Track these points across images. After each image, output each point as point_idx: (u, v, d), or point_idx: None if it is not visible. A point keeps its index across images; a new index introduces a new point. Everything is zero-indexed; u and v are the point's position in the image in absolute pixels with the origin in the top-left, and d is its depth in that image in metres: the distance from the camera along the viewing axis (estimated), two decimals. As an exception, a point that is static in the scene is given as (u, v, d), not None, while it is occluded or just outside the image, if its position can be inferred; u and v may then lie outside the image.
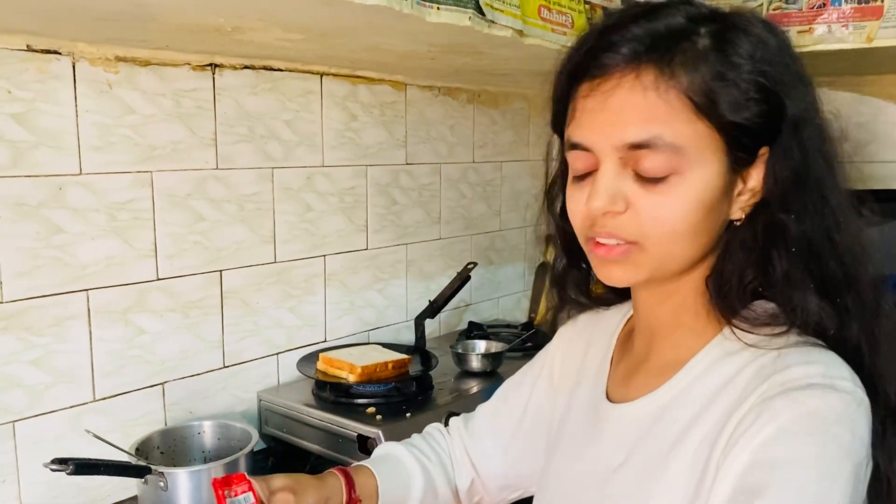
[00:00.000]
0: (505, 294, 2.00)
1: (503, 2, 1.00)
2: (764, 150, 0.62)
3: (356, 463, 0.88)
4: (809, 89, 0.63)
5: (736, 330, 0.63)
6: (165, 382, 1.21)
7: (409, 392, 1.30)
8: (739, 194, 0.63)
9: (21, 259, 1.02)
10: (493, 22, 0.98)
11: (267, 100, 1.31)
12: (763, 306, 0.63)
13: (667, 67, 0.59)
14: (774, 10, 1.26)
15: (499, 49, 1.15)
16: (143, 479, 0.99)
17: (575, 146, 0.64)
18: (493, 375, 1.44)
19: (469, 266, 1.56)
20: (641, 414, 0.68)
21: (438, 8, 0.90)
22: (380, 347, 1.41)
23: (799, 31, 1.25)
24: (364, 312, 1.56)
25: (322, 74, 1.40)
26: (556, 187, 0.75)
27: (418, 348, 1.50)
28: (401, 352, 1.38)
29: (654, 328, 0.72)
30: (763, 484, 0.54)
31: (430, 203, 1.70)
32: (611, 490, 0.68)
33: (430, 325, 1.62)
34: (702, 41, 0.60)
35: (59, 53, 1.04)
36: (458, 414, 0.98)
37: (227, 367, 1.30)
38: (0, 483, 1.03)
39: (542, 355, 0.91)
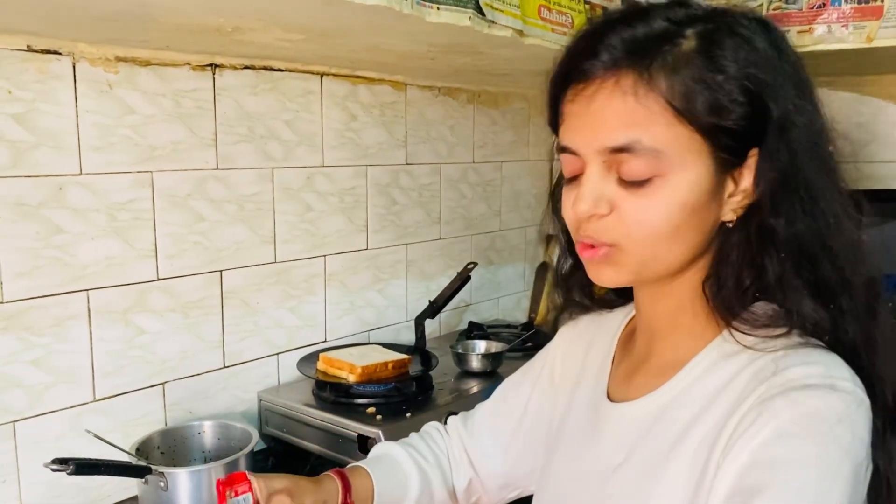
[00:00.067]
0: (505, 294, 2.00)
1: (503, 2, 1.00)
2: (754, 152, 0.61)
3: (353, 463, 0.89)
4: (802, 90, 0.62)
5: (736, 332, 0.63)
6: (166, 382, 1.21)
7: (410, 392, 1.30)
8: (731, 195, 0.63)
9: (21, 259, 1.02)
10: (493, 22, 0.99)
11: (267, 100, 1.31)
12: (763, 308, 0.63)
13: (646, 72, 0.59)
14: (774, 9, 1.26)
15: (499, 49, 1.15)
16: (143, 479, 0.99)
17: (563, 150, 0.65)
18: (493, 375, 1.44)
19: (469, 266, 1.56)
20: (641, 414, 0.68)
21: (438, 8, 0.90)
22: (380, 347, 1.41)
23: (799, 31, 1.25)
24: (364, 312, 1.56)
25: (322, 74, 1.40)
26: (559, 188, 0.75)
27: (418, 348, 1.50)
28: (401, 352, 1.38)
29: (654, 328, 0.72)
30: (762, 484, 0.54)
31: (430, 203, 1.70)
32: (611, 490, 0.68)
33: (430, 326, 1.62)
34: (686, 43, 0.60)
35: (60, 53, 1.04)
36: (457, 413, 0.98)
37: (228, 367, 1.30)
38: (0, 483, 1.03)
39: (542, 355, 0.91)
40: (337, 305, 1.49)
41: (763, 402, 0.57)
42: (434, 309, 1.54)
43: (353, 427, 1.18)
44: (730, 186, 0.62)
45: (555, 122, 0.68)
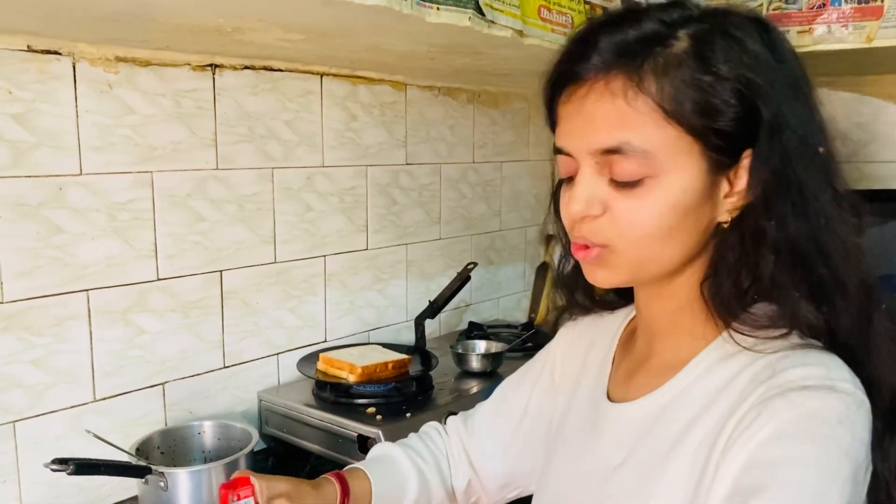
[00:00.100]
0: (505, 294, 2.00)
1: (503, 2, 1.00)
2: (748, 153, 0.61)
3: (351, 464, 0.89)
4: (797, 91, 0.62)
5: (735, 333, 0.63)
6: (166, 382, 1.21)
7: (410, 392, 1.30)
8: (727, 196, 0.63)
9: (21, 259, 1.02)
10: (492, 22, 0.99)
11: (267, 100, 1.31)
12: (764, 309, 0.63)
13: (636, 74, 0.59)
14: (774, 9, 1.26)
15: (499, 49, 1.15)
16: (143, 480, 0.99)
17: (559, 151, 0.66)
18: (493, 376, 1.44)
19: (469, 266, 1.56)
20: (641, 414, 0.68)
21: (438, 8, 0.90)
22: (380, 347, 1.41)
23: (799, 31, 1.25)
24: (364, 312, 1.56)
25: (322, 74, 1.40)
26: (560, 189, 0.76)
27: (418, 348, 1.50)
28: (401, 352, 1.38)
29: (653, 328, 0.72)
30: (762, 484, 0.54)
31: (430, 203, 1.70)
32: (610, 489, 0.68)
33: (430, 326, 1.62)
34: (678, 45, 0.60)
35: (60, 54, 1.04)
36: (457, 413, 0.98)
37: (228, 367, 1.30)
38: (0, 483, 1.03)
39: (542, 355, 0.91)
40: (337, 305, 1.50)
41: (762, 403, 0.57)
42: (434, 309, 1.54)
43: (353, 427, 1.18)
44: (725, 187, 0.62)
45: (552, 124, 0.68)
